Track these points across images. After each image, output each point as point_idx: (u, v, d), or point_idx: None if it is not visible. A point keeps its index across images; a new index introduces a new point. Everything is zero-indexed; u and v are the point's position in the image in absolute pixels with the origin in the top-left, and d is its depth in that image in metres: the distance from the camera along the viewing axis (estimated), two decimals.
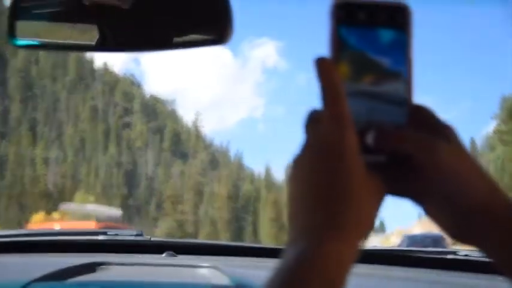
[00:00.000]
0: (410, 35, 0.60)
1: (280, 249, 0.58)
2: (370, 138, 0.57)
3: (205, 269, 1.43)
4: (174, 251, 1.70)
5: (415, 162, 0.57)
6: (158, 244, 1.83)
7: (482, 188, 0.57)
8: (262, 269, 1.44)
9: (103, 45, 1.23)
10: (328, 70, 0.57)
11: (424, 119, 0.60)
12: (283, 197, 23.97)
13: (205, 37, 1.25)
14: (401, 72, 0.59)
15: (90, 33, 1.21)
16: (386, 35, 0.59)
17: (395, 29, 0.60)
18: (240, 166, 24.57)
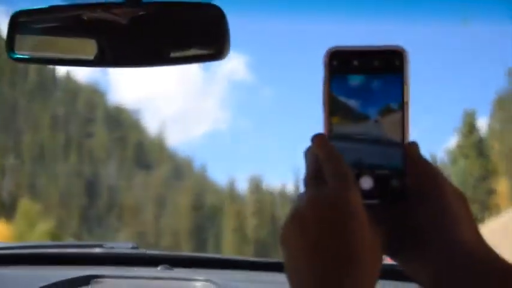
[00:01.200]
0: (407, 78, 0.60)
1: (274, 262, 0.58)
2: (364, 183, 0.58)
3: (200, 282, 1.44)
4: (170, 264, 1.71)
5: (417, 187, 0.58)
6: (154, 257, 1.84)
7: (471, 231, 0.57)
8: (257, 283, 1.45)
9: (101, 60, 1.25)
10: (325, 142, 0.58)
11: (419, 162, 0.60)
12: (246, 208, 23.71)
13: (203, 52, 1.27)
14: (397, 116, 0.59)
15: (89, 48, 1.23)
16: (381, 80, 0.59)
17: (391, 73, 0.59)
18: (203, 178, 24.49)
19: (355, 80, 0.59)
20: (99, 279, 1.44)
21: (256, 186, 24.76)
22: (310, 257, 0.54)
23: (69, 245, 2.30)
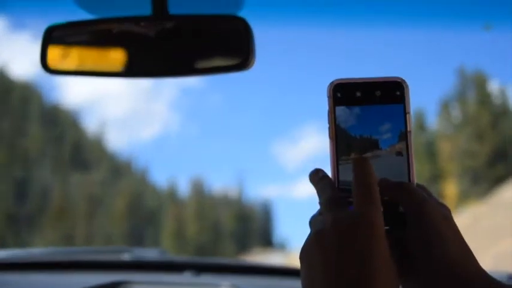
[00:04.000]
0: (409, 108, 0.61)
1: (297, 269, 0.60)
2: None
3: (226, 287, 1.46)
4: (196, 270, 1.73)
5: (408, 213, 0.59)
6: (181, 263, 1.87)
7: (457, 244, 0.59)
8: None
9: (130, 72, 1.28)
10: (370, 166, 0.59)
11: (426, 192, 0.62)
12: (187, 211, 23.07)
13: (228, 63, 1.29)
14: (399, 147, 0.61)
15: (118, 60, 1.27)
16: (383, 111, 0.61)
17: (392, 104, 0.61)
18: (144, 180, 23.74)
19: (358, 111, 0.61)
20: (127, 285, 1.46)
21: (198, 190, 24.02)
22: (327, 276, 0.55)
23: (99, 251, 2.34)
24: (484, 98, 19.34)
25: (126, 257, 1.89)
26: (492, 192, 16.26)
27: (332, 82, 0.62)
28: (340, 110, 0.61)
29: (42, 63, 1.22)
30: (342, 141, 0.61)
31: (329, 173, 0.62)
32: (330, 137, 0.61)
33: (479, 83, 19.56)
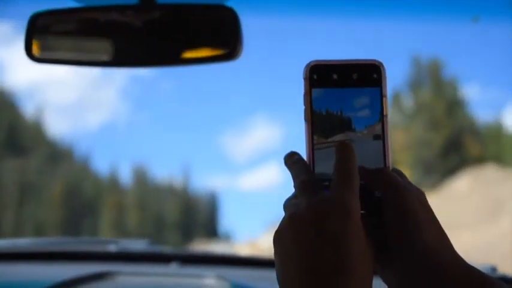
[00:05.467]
0: (385, 91, 0.61)
1: None
2: None
3: (212, 279, 1.46)
4: (182, 261, 1.73)
5: (384, 199, 0.59)
6: (167, 254, 1.86)
7: (434, 232, 0.59)
8: (267, 280, 1.47)
9: (117, 61, 1.27)
10: (352, 150, 0.58)
11: (401, 178, 0.62)
12: (128, 199, 22.68)
13: (216, 53, 1.29)
14: (375, 128, 0.61)
15: (105, 49, 1.26)
16: (359, 94, 0.61)
17: (369, 87, 0.61)
18: (86, 168, 23.25)
19: (335, 93, 0.61)
20: (113, 276, 1.46)
21: (140, 178, 23.69)
22: (302, 260, 0.54)
23: (85, 242, 2.33)
24: (439, 86, 19.07)
25: (112, 248, 1.88)
26: (444, 183, 16.31)
27: (308, 63, 0.61)
28: (316, 92, 0.61)
29: (26, 51, 1.21)
30: (317, 124, 0.61)
31: (304, 157, 0.62)
32: (306, 120, 0.61)
33: (434, 71, 19.16)
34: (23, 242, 2.09)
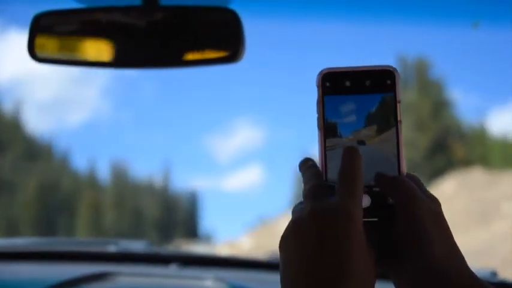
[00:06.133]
0: (399, 97, 0.61)
1: None
2: (363, 201, 0.59)
3: (211, 280, 1.46)
4: (181, 263, 1.73)
5: (396, 207, 0.59)
6: (166, 256, 1.87)
7: (443, 241, 0.59)
8: (267, 283, 1.47)
9: (119, 62, 1.27)
10: (358, 156, 0.58)
11: (416, 184, 0.61)
12: (105, 198, 22.31)
13: (218, 55, 1.29)
14: (391, 135, 0.60)
15: (107, 50, 1.26)
16: (373, 100, 0.60)
17: (383, 93, 0.61)
18: (64, 166, 22.86)
19: (348, 101, 0.61)
20: (113, 277, 1.46)
21: (119, 176, 23.37)
22: (303, 265, 0.55)
23: (85, 243, 2.33)
24: (425, 86, 18.76)
25: (111, 248, 1.89)
26: (430, 185, 16.30)
27: (321, 71, 0.61)
28: (329, 99, 0.61)
29: (29, 51, 1.21)
30: (330, 131, 0.61)
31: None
32: (319, 127, 0.61)
33: (420, 71, 18.94)
34: (23, 242, 2.10)
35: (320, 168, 0.61)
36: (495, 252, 11.00)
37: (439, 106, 18.91)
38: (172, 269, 1.70)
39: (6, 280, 1.40)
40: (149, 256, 1.85)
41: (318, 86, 0.61)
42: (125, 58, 1.28)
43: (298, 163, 0.63)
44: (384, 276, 0.60)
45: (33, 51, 1.23)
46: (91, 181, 22.88)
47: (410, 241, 0.58)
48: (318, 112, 0.61)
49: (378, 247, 0.59)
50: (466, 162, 16.55)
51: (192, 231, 23.04)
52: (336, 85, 0.61)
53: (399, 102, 0.61)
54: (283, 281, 0.57)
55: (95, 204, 21.41)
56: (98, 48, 1.27)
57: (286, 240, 0.58)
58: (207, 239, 21.45)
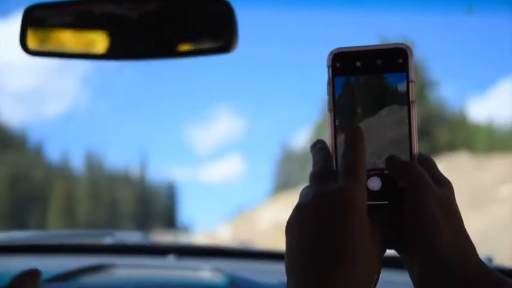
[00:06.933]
0: (412, 76, 0.58)
1: (281, 253, 0.60)
2: (373, 184, 0.59)
3: (208, 271, 1.46)
4: (179, 254, 1.74)
5: (405, 192, 0.58)
6: (163, 247, 1.87)
7: (452, 230, 0.58)
8: (265, 273, 1.48)
9: (112, 54, 1.27)
10: (360, 137, 0.58)
11: (428, 167, 0.60)
12: (79, 188, 22.04)
13: (211, 46, 1.29)
14: (403, 116, 0.59)
15: (100, 42, 1.25)
16: (385, 81, 0.59)
17: (395, 72, 0.59)
18: (38, 156, 22.52)
19: (359, 81, 0.59)
20: (110, 268, 1.46)
21: (93, 166, 23.06)
22: (306, 248, 0.55)
23: (81, 235, 2.33)
24: None
25: (108, 240, 1.89)
26: None
27: (331, 51, 0.59)
28: (339, 80, 0.59)
29: (21, 44, 1.20)
30: (340, 112, 0.59)
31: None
32: (329, 109, 0.59)
33: None
34: (19, 235, 2.09)
35: (331, 151, 0.60)
36: (499, 237, 11.00)
37: (421, 89, 18.82)
38: (170, 260, 1.71)
39: (1, 273, 1.40)
40: (146, 248, 1.86)
41: (328, 67, 0.59)
42: (119, 50, 1.27)
43: (310, 145, 0.62)
44: (395, 263, 0.60)
45: (25, 44, 1.22)
46: (64, 171, 22.54)
47: (417, 230, 0.58)
48: (328, 93, 0.59)
49: (388, 230, 0.58)
50: (450, 147, 16.53)
51: (170, 222, 22.84)
52: (346, 65, 0.59)
53: (412, 82, 0.59)
54: (287, 264, 0.57)
55: (68, 194, 21.07)
56: (91, 40, 1.26)
57: (290, 225, 0.58)
58: (185, 229, 21.34)
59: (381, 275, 0.59)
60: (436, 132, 17.63)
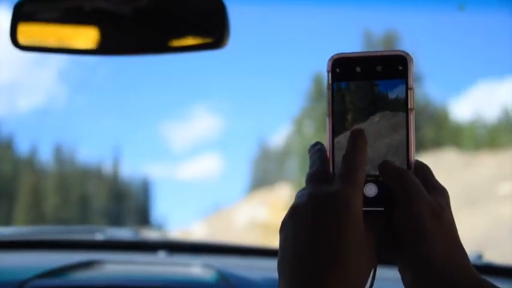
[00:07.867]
0: (411, 83, 0.59)
1: (272, 249, 0.60)
2: (369, 190, 0.59)
3: (199, 267, 1.46)
4: (169, 250, 1.74)
5: (398, 202, 0.58)
6: (154, 243, 1.87)
7: (442, 247, 0.57)
8: (255, 269, 1.48)
9: (103, 49, 1.26)
10: (363, 141, 0.58)
11: (423, 174, 0.60)
12: (47, 182, 21.74)
13: (203, 41, 1.29)
14: (402, 123, 0.59)
15: (90, 37, 1.25)
16: (385, 86, 0.59)
17: (394, 79, 0.59)
18: (7, 150, 22.24)
19: (358, 87, 0.59)
20: (100, 264, 1.46)
21: (63, 160, 22.68)
22: (301, 247, 0.55)
23: (72, 231, 2.33)
24: None
25: (99, 236, 1.88)
26: None
27: (332, 56, 0.60)
28: (339, 85, 0.59)
29: (12, 39, 1.19)
30: (339, 117, 0.59)
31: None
32: (327, 114, 0.59)
33: (389, 44, 18.13)
34: (10, 231, 2.09)
35: (328, 155, 0.60)
36: (494, 235, 10.99)
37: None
38: (161, 256, 1.71)
39: None
40: (137, 244, 1.85)
41: (328, 72, 0.60)
42: (109, 45, 1.27)
43: (308, 148, 0.62)
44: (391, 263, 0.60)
45: (15, 39, 1.21)
46: (31, 165, 22.23)
47: (408, 237, 0.58)
48: (327, 98, 0.59)
49: (383, 236, 0.58)
50: (436, 144, 16.58)
51: (143, 219, 22.62)
52: (346, 71, 0.59)
53: (411, 89, 0.59)
54: (279, 266, 0.57)
55: (35, 189, 20.78)
56: (82, 36, 1.26)
57: (284, 225, 0.58)
58: (159, 226, 21.15)
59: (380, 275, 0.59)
60: (421, 128, 17.70)
